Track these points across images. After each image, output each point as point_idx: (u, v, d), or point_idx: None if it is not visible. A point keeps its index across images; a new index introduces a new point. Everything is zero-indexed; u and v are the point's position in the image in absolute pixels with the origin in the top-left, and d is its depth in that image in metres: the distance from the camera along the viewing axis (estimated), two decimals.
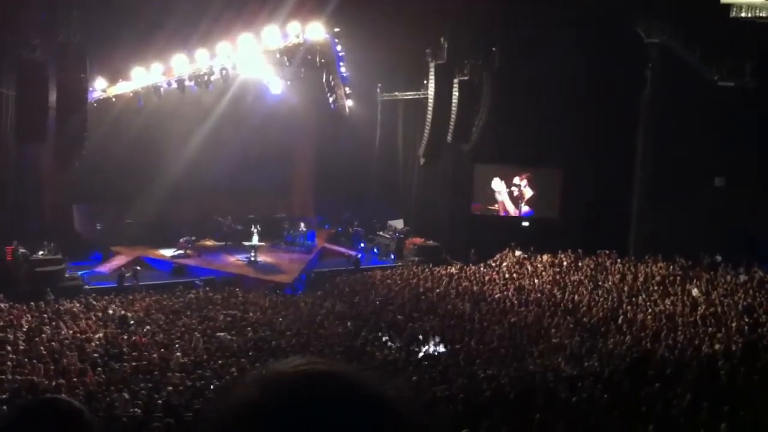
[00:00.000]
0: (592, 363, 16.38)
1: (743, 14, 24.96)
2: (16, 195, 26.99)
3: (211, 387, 14.55)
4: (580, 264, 27.52)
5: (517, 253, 29.65)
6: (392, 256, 32.29)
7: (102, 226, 30.43)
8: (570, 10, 29.07)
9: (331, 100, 33.84)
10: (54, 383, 13.78)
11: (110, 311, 21.14)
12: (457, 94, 31.42)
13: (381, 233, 33.95)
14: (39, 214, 28.14)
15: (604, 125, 29.92)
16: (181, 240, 29.86)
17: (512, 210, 33.32)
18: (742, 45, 25.95)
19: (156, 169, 30.13)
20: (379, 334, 20.33)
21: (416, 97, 33.87)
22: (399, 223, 34.65)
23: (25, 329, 18.23)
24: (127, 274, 25.88)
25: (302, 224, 33.10)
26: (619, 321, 20.40)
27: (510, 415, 10.82)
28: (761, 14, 24.55)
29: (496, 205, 33.49)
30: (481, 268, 28.56)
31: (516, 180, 33.17)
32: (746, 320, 19.13)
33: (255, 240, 29.92)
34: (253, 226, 30.50)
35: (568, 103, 29.98)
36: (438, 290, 25.18)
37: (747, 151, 27.68)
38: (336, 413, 0.97)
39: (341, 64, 32.03)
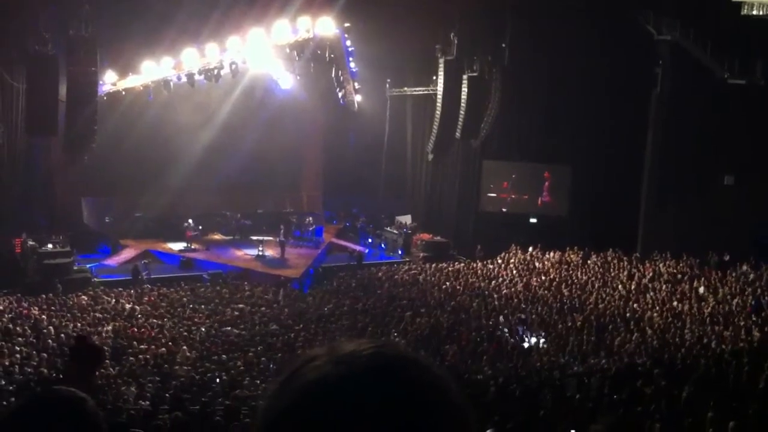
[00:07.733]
0: (598, 360, 16.37)
1: (754, 12, 24.84)
2: (26, 187, 27.11)
3: (218, 380, 14.61)
4: (588, 261, 27.48)
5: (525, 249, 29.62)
6: (400, 252, 32.23)
7: (111, 219, 30.52)
8: (580, 6, 28.93)
9: (340, 95, 33.84)
10: (62, 375, 13.83)
11: (119, 305, 21.23)
12: (466, 90, 31.37)
13: (388, 229, 33.89)
14: (48, 206, 28.28)
15: (613, 122, 29.81)
16: (189, 221, 29.95)
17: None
18: (753, 43, 25.85)
19: (165, 163, 30.18)
20: (387, 329, 20.34)
21: (425, 92, 33.86)
22: (407, 219, 34.63)
23: (33, 321, 18.32)
24: (144, 272, 25.89)
25: (310, 219, 33.13)
26: (627, 318, 20.40)
27: (516, 411, 10.82)
28: None
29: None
30: (488, 265, 28.53)
31: None
32: (754, 318, 19.08)
33: (281, 236, 30.09)
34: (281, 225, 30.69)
35: (577, 100, 29.90)
36: (445, 286, 25.18)
37: (756, 150, 27.58)
38: (407, 394, 0.96)
39: (350, 59, 32.02)
